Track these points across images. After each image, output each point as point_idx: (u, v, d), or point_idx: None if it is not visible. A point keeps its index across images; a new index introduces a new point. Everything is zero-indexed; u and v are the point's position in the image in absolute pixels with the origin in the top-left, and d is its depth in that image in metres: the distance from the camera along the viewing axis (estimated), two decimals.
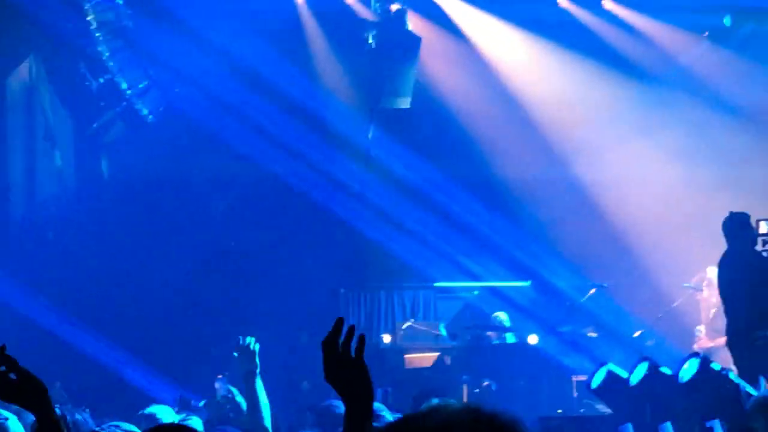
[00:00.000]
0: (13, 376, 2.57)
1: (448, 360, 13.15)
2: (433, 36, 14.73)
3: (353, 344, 2.19)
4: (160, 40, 14.11)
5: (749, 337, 9.51)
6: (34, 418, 2.79)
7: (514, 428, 1.21)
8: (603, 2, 14.61)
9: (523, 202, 14.96)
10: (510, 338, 13.17)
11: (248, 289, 14.85)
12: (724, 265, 9.90)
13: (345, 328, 2.22)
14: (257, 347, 4.90)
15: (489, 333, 13.23)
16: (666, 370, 8.49)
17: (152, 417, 6.00)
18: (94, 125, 14.47)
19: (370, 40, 14.41)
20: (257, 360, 5.28)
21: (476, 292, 14.44)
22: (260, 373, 5.34)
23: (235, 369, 6.56)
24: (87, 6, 12.91)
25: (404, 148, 14.96)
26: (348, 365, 2.20)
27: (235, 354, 5.04)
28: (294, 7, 14.31)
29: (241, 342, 4.77)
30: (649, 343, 13.53)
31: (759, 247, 9.85)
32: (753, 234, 9.86)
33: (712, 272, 11.50)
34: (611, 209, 14.68)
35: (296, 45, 14.43)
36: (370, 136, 14.67)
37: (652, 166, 14.40)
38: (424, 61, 14.51)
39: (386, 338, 13.47)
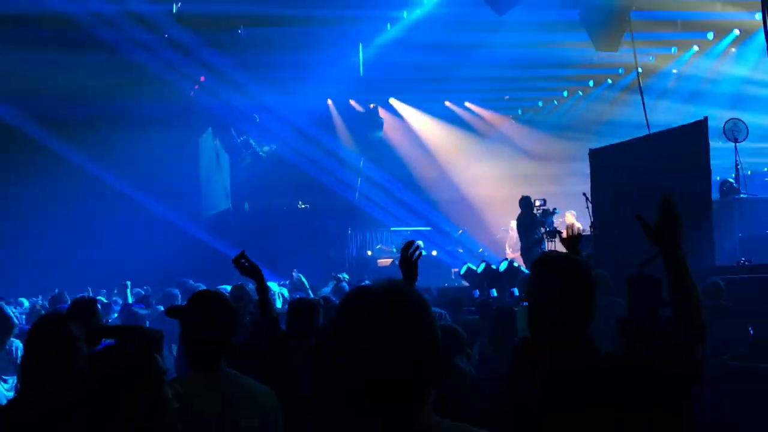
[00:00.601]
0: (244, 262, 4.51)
1: (396, 262, 16.18)
2: (389, 118, 21.46)
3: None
4: (264, 119, 20.10)
5: (528, 254, 14.14)
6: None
7: (413, 293, 1.71)
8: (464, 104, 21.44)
9: (429, 192, 21.51)
10: (424, 252, 16.88)
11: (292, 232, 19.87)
12: (519, 221, 14.86)
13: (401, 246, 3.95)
14: None
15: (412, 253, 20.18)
16: (493, 266, 12.73)
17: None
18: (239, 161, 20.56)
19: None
20: None
21: (409, 231, 19.45)
22: None
23: None
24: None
25: (376, 167, 21.24)
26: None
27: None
28: (327, 106, 20.89)
29: None
30: (484, 253, 18.50)
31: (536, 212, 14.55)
32: (531, 206, 14.68)
33: (514, 225, 16.11)
34: (471, 193, 21.20)
35: (327, 120, 21.03)
36: (361, 163, 21.37)
37: (485, 175, 20.75)
38: (385, 129, 21.21)
39: (369, 252, 19.90)
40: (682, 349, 2.49)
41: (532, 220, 14.49)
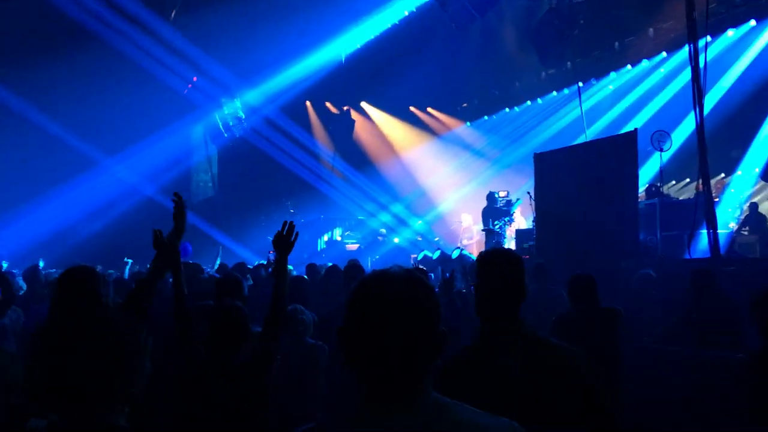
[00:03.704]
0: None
1: (363, 247, 18.49)
2: (359, 118, 21.64)
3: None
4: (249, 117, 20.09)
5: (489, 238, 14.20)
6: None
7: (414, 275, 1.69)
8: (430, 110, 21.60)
9: (393, 186, 21.22)
10: (390, 238, 18.82)
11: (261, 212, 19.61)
12: (484, 212, 14.82)
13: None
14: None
15: (379, 237, 18.92)
16: (447, 253, 14.00)
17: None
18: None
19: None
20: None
21: (365, 218, 20.24)
22: None
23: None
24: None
25: (343, 162, 21.47)
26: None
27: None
28: (304, 104, 20.98)
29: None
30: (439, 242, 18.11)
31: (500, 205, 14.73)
32: (495, 200, 14.85)
33: (466, 218, 16.90)
34: (429, 188, 20.96)
35: (304, 117, 21.04)
36: (332, 155, 21.44)
37: (443, 173, 20.80)
38: (356, 128, 21.52)
39: (339, 238, 19.58)
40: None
41: (496, 212, 14.63)
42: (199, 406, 3.60)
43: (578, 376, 2.60)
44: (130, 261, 10.62)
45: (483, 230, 14.94)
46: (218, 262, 12.66)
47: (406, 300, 1.64)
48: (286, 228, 3.95)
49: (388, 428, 1.61)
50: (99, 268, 8.99)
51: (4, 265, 10.14)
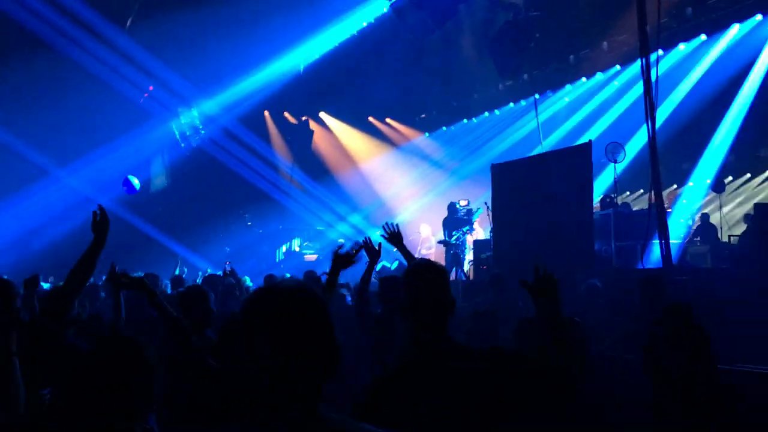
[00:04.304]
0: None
1: (321, 258, 18.18)
2: (318, 128, 21.60)
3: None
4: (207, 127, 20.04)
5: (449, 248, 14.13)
6: None
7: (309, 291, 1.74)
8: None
9: (351, 196, 21.14)
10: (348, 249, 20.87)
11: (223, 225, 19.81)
12: (445, 221, 14.66)
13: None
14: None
15: (338, 248, 21.33)
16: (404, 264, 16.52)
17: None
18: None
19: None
20: None
21: (324, 228, 20.52)
22: None
23: None
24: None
25: (302, 172, 21.28)
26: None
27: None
28: (263, 114, 20.69)
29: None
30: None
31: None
32: (456, 210, 14.73)
33: (425, 228, 17.11)
34: (388, 198, 20.86)
35: (262, 127, 20.74)
36: (291, 165, 21.17)
37: (401, 183, 21.03)
38: (315, 139, 21.45)
39: (297, 248, 19.81)
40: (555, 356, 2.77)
41: (457, 221, 14.64)
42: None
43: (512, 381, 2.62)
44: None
45: (439, 242, 15.01)
46: (176, 272, 12.56)
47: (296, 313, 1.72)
48: (347, 248, 4.59)
49: None
50: (51, 279, 9.18)
51: None
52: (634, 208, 13.47)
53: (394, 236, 5.19)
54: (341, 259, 4.56)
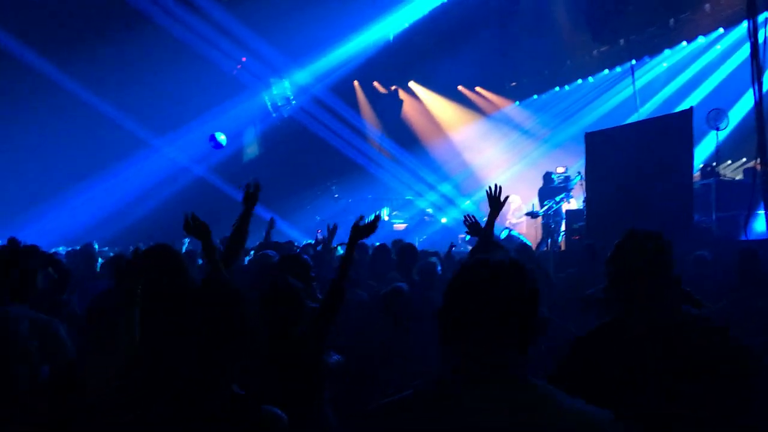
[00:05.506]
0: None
1: (410, 227, 18.36)
2: (407, 98, 21.61)
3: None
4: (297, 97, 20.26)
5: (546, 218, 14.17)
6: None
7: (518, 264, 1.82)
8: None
9: (441, 166, 20.84)
10: (438, 218, 19.05)
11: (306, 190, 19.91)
12: (540, 191, 14.64)
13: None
14: None
15: (425, 217, 19.15)
16: (514, 235, 13.38)
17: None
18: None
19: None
20: None
21: (413, 198, 20.23)
22: None
23: None
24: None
25: (391, 142, 21.46)
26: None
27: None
28: (352, 84, 20.73)
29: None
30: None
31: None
32: (551, 180, 14.62)
33: (515, 198, 16.55)
34: (477, 168, 20.64)
35: (352, 96, 20.86)
36: (380, 134, 21.29)
37: (491, 152, 20.31)
38: (404, 108, 21.54)
39: (386, 218, 18.82)
40: None
41: (553, 191, 14.47)
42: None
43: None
44: (186, 240, 10.59)
45: (526, 214, 14.88)
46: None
47: (502, 287, 1.80)
48: (364, 220, 4.39)
49: (480, 396, 1.77)
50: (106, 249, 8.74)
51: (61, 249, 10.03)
52: (737, 178, 12.87)
53: (494, 200, 5.18)
54: (360, 230, 4.39)
